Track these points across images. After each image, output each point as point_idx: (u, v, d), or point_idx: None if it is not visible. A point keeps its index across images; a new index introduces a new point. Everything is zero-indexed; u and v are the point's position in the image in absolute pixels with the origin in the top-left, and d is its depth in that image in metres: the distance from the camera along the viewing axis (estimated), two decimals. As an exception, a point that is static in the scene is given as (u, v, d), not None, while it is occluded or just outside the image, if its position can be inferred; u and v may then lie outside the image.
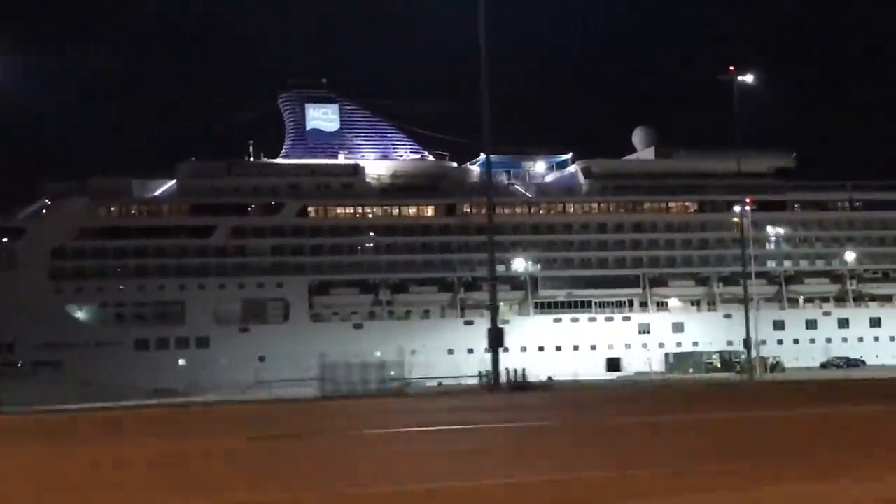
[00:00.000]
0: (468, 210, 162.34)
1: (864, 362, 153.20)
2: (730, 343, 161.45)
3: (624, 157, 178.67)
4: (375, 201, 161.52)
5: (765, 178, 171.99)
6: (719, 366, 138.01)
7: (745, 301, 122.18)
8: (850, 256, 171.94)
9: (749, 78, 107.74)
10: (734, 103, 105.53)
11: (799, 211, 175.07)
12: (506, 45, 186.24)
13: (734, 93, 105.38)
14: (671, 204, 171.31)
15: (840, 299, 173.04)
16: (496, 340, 67.28)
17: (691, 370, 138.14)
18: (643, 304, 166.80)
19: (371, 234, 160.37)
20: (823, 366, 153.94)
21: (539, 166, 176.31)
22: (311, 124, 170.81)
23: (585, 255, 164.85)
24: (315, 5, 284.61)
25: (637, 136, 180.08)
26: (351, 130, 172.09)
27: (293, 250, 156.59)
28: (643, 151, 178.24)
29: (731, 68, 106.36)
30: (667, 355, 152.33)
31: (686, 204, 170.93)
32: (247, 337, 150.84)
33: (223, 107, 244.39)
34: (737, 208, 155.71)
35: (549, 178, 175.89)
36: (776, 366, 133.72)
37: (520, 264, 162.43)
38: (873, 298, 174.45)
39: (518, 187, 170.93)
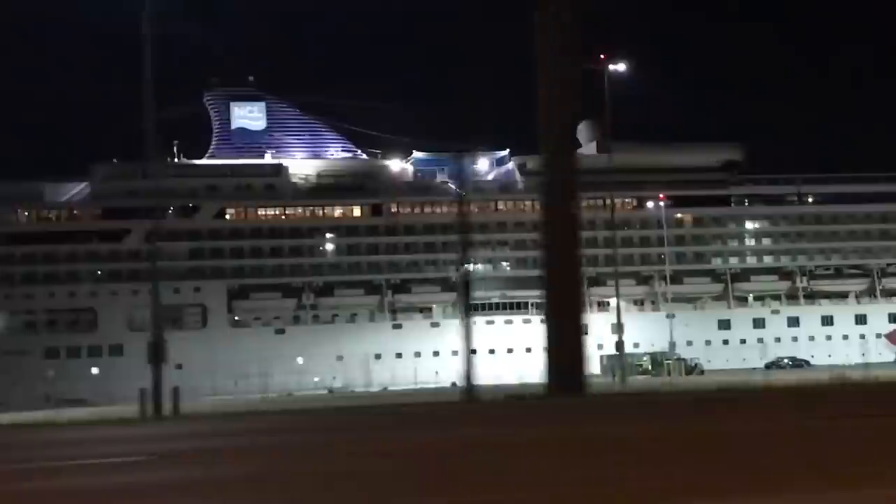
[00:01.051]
0: (396, 210, 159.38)
1: (808, 363, 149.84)
2: (672, 344, 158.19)
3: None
4: (297, 202, 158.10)
5: (711, 172, 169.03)
6: (650, 367, 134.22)
7: (616, 300, 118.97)
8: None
9: (621, 66, 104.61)
10: (605, 92, 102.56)
11: (747, 206, 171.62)
12: (453, 39, 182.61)
13: (605, 82, 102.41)
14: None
15: (792, 297, 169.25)
16: (156, 355, 55.86)
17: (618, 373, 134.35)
18: (582, 305, 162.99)
19: (295, 235, 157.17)
20: (768, 366, 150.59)
21: (483, 163, 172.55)
22: (236, 123, 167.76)
23: (521, 254, 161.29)
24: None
25: (582, 131, 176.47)
26: (279, 129, 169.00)
27: (212, 254, 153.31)
28: (588, 146, 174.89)
29: (602, 56, 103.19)
30: (601, 357, 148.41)
31: (626, 200, 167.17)
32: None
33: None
34: (650, 204, 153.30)
35: (491, 176, 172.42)
36: (694, 368, 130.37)
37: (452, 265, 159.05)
38: (826, 296, 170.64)
39: (452, 185, 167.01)
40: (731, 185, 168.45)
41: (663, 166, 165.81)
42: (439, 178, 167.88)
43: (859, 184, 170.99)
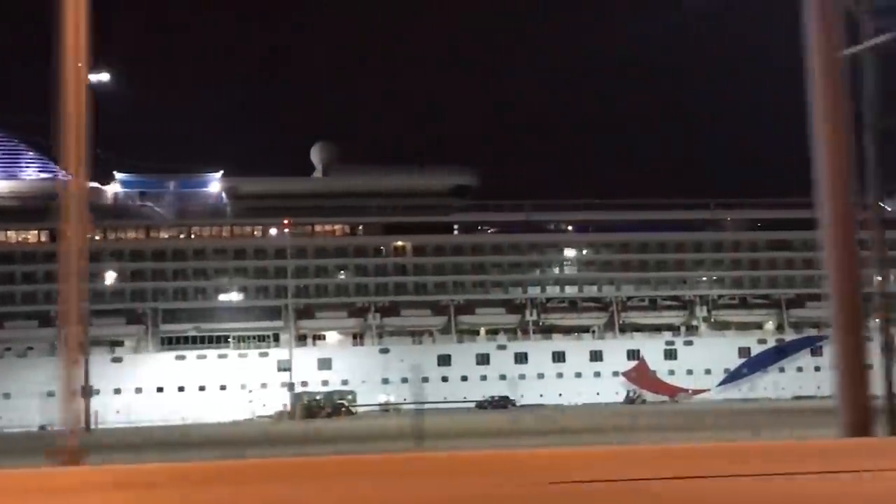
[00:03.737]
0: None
1: (513, 402, 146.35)
2: (386, 381, 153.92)
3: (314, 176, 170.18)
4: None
5: (438, 197, 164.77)
6: (327, 408, 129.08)
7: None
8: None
9: (104, 76, 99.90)
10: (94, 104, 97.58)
11: (480, 233, 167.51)
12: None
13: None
14: (328, 227, 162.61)
15: (525, 331, 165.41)
16: None
17: (287, 415, 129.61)
18: (301, 338, 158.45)
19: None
20: (480, 405, 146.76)
21: (215, 186, 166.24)
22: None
23: (222, 283, 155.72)
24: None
25: (315, 154, 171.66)
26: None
27: None
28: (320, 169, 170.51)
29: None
30: (291, 395, 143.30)
31: (343, 227, 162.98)
32: None
33: None
34: (273, 231, 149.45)
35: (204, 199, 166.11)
36: (337, 407, 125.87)
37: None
38: (566, 330, 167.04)
39: (157, 209, 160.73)
40: (453, 211, 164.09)
41: (387, 191, 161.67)
42: (141, 200, 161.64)
43: (596, 211, 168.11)
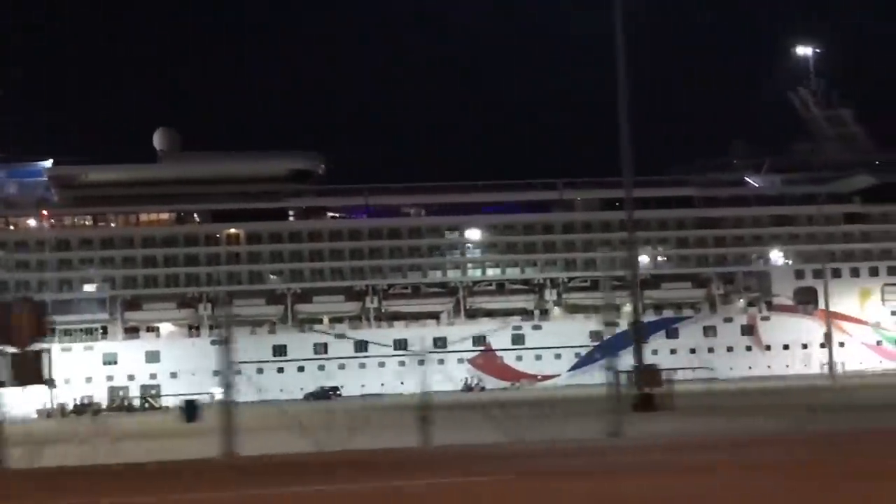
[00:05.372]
0: None
1: (338, 393, 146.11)
2: (217, 373, 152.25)
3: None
4: None
5: (278, 182, 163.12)
6: (136, 404, 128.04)
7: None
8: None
9: None
10: None
11: (322, 219, 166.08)
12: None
13: None
14: (159, 215, 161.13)
15: (367, 319, 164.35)
16: None
17: (93, 413, 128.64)
18: (133, 331, 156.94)
19: None
20: (307, 397, 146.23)
21: (43, 175, 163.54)
22: None
23: (43, 276, 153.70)
24: None
25: (157, 139, 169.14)
26: None
27: None
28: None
29: None
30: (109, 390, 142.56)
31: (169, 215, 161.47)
32: None
33: None
34: (32, 222, 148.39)
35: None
36: (88, 406, 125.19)
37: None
38: (414, 317, 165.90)
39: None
40: (286, 196, 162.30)
41: (223, 177, 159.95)
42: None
43: (440, 194, 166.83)
